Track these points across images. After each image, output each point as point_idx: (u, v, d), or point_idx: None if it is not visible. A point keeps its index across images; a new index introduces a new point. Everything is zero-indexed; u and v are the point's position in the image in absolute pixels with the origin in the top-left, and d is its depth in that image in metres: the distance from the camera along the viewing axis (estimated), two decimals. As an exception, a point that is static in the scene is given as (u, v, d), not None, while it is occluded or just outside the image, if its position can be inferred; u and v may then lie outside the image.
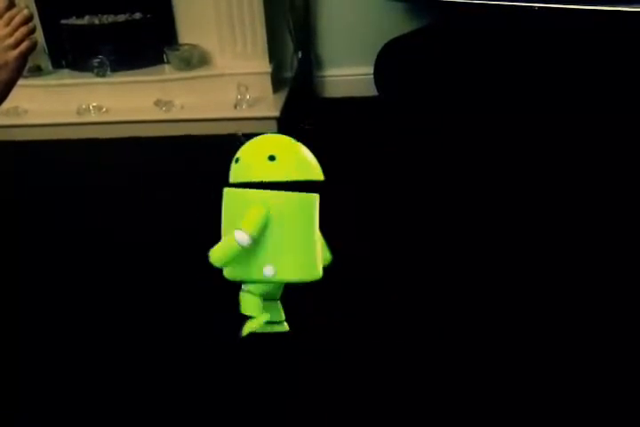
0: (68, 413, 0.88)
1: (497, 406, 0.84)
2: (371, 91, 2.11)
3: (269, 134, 0.86)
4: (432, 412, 0.84)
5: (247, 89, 2.07)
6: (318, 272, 0.86)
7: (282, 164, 0.83)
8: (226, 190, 0.82)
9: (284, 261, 0.85)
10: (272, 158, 0.81)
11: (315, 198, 0.83)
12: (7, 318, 1.08)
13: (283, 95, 2.16)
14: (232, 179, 0.83)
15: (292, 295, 0.85)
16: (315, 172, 0.84)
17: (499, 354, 0.93)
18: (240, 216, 0.80)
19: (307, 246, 0.85)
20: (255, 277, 0.82)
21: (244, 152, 0.84)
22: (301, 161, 0.84)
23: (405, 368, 0.91)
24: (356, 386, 0.89)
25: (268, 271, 0.82)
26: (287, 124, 2.01)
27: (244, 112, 2.05)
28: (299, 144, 0.86)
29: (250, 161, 0.82)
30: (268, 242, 0.83)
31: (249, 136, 0.83)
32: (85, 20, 2.22)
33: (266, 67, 2.14)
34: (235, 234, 0.78)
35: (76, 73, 2.26)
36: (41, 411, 0.88)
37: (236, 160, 0.83)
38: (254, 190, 0.80)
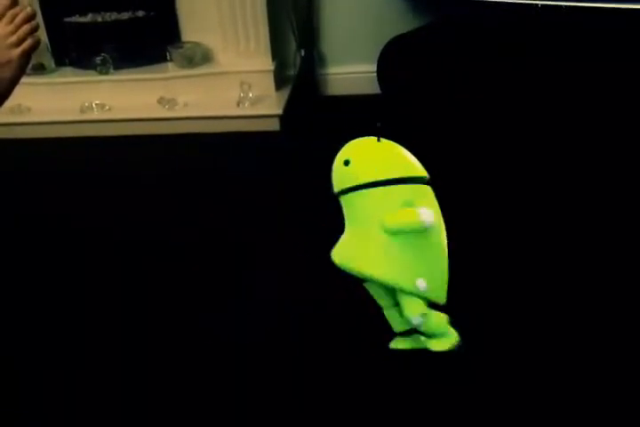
0: (68, 411, 0.88)
1: (497, 406, 0.84)
2: (374, 88, 2.10)
3: (362, 138, 0.90)
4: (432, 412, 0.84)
5: (250, 87, 2.07)
6: (445, 295, 0.87)
7: (394, 162, 0.87)
8: (357, 193, 0.85)
9: (434, 278, 0.86)
10: (386, 158, 0.87)
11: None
12: (9, 316, 1.09)
13: (285, 93, 2.16)
14: (347, 182, 0.86)
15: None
16: (420, 168, 0.88)
17: (499, 354, 0.93)
18: (377, 215, 0.83)
19: (445, 265, 0.88)
20: (405, 286, 0.84)
21: (354, 155, 0.87)
22: (407, 158, 0.89)
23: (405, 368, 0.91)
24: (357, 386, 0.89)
25: (422, 285, 0.84)
26: (290, 121, 2.01)
27: (247, 110, 2.05)
28: (394, 144, 0.90)
29: (363, 163, 0.86)
30: (424, 253, 0.85)
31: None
32: (88, 18, 2.22)
33: (269, 65, 2.14)
34: (420, 211, 0.79)
35: (79, 71, 2.26)
36: (41, 410, 0.89)
37: (346, 163, 0.85)
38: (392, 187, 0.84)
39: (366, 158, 0.87)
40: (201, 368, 0.94)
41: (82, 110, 2.12)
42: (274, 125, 2.00)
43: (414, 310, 0.85)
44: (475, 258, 1.18)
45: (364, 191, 0.85)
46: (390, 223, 0.83)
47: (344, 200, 0.88)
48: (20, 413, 0.88)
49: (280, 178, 1.58)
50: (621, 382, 0.86)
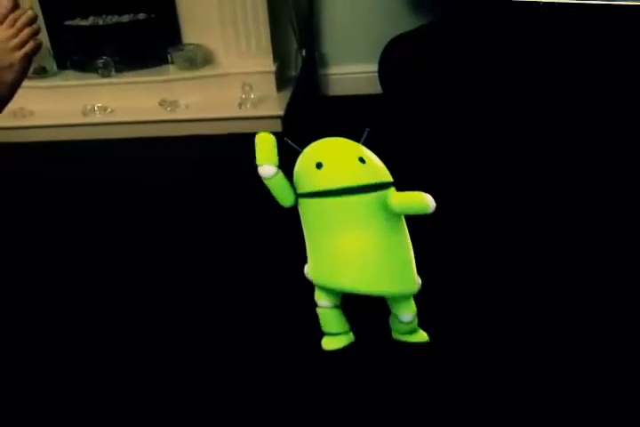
0: (69, 411, 0.88)
1: (497, 407, 0.84)
2: (375, 88, 2.10)
3: (329, 138, 0.90)
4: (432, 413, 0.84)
5: (251, 88, 2.07)
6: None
7: (369, 166, 0.86)
8: (317, 201, 0.85)
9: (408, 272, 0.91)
10: (362, 161, 0.86)
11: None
12: (13, 314, 1.09)
13: (287, 94, 2.16)
14: (318, 186, 0.85)
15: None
16: (387, 173, 0.88)
17: (499, 354, 0.93)
18: (346, 223, 0.84)
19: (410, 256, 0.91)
20: (402, 292, 0.89)
21: (326, 158, 0.86)
22: (378, 162, 0.89)
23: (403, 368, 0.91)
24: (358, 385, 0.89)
25: (419, 283, 0.90)
26: (293, 123, 2.01)
27: (249, 111, 2.05)
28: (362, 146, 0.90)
29: (340, 164, 0.85)
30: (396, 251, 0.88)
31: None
32: (89, 21, 2.22)
33: (270, 66, 2.14)
34: (427, 196, 0.81)
35: (81, 74, 2.26)
36: (40, 409, 0.89)
37: (319, 165, 0.84)
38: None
39: (340, 163, 0.85)
40: (201, 368, 0.94)
41: (84, 113, 2.12)
42: (276, 126, 2.00)
43: (409, 310, 0.90)
44: (472, 260, 1.18)
45: (335, 199, 0.84)
46: (397, 204, 0.83)
47: (308, 204, 0.88)
48: (20, 412, 0.88)
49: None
50: (614, 380, 0.86)
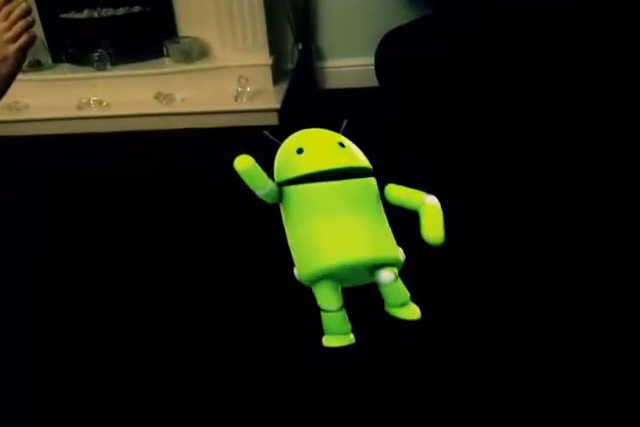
0: (72, 410, 0.88)
1: (497, 407, 0.84)
2: (372, 82, 2.10)
3: (310, 129, 0.91)
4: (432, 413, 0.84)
5: (247, 81, 2.06)
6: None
7: (349, 150, 0.88)
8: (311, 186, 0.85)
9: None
10: (342, 146, 0.87)
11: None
12: (18, 312, 1.09)
13: (283, 87, 2.16)
14: (299, 170, 0.85)
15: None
16: (366, 160, 0.90)
17: (499, 353, 0.93)
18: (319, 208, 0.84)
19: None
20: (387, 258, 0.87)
21: (307, 143, 0.87)
22: (355, 149, 0.89)
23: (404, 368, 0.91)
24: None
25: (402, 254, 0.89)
26: (289, 116, 2.00)
27: (245, 105, 2.05)
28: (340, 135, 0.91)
29: (321, 148, 0.86)
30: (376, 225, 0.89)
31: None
32: (85, 14, 2.21)
33: (266, 59, 2.14)
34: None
35: (76, 67, 2.25)
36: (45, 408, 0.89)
37: (299, 151, 0.86)
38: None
39: (321, 147, 0.87)
40: (200, 367, 0.94)
41: (79, 107, 2.11)
42: (272, 120, 2.00)
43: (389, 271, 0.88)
44: (471, 256, 1.18)
45: (317, 184, 0.85)
46: (394, 197, 0.87)
47: (288, 194, 0.87)
48: (22, 411, 0.88)
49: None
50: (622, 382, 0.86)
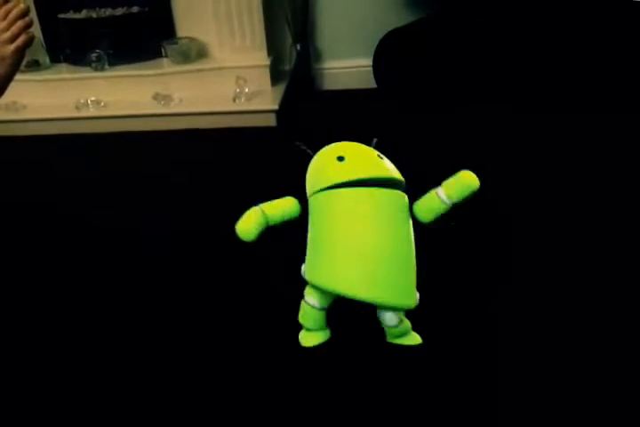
0: (68, 411, 0.88)
1: (498, 406, 0.84)
2: (370, 83, 2.10)
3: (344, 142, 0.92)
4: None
5: (246, 82, 2.06)
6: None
7: (387, 162, 0.90)
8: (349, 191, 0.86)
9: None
10: (380, 157, 0.90)
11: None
12: (12, 313, 1.09)
13: (281, 88, 2.16)
14: (340, 177, 0.86)
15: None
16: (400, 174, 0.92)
17: (499, 353, 0.93)
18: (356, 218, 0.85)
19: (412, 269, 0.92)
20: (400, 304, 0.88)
21: (348, 152, 0.89)
22: (385, 162, 0.91)
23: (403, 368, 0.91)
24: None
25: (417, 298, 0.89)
26: (287, 117, 2.00)
27: (243, 105, 2.05)
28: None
29: (362, 157, 0.88)
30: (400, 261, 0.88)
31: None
32: (83, 14, 2.21)
33: (264, 60, 2.14)
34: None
35: (74, 67, 2.25)
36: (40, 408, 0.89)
37: (340, 159, 0.88)
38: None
39: (362, 156, 0.89)
40: (200, 367, 0.93)
41: (77, 107, 2.11)
42: (270, 121, 2.00)
43: (395, 314, 0.89)
44: (470, 257, 1.18)
45: (355, 189, 0.85)
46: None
47: (322, 200, 0.88)
48: (20, 412, 0.88)
49: (277, 173, 1.58)
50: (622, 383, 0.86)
